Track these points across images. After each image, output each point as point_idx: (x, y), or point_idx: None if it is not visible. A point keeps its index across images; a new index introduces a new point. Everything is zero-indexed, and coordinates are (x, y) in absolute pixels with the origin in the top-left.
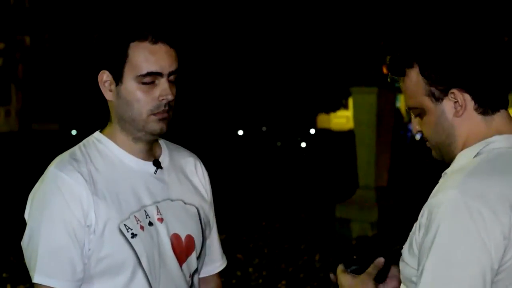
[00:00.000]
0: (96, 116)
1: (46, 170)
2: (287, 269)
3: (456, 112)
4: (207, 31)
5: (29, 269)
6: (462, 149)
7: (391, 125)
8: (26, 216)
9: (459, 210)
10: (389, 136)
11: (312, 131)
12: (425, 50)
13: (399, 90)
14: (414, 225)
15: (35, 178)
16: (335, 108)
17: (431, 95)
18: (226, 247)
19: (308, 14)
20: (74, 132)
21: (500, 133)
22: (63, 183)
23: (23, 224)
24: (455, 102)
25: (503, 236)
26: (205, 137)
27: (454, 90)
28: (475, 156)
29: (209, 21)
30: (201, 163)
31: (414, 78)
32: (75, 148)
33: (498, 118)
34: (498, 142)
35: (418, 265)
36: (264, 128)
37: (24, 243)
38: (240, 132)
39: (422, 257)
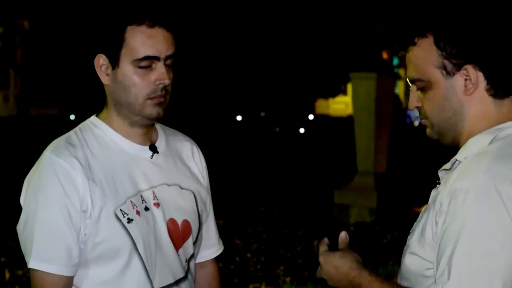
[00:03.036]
0: (95, 101)
1: (42, 155)
2: (286, 254)
3: (467, 90)
4: (206, 16)
5: (24, 254)
6: (470, 131)
7: (390, 111)
8: (21, 201)
9: (491, 196)
10: (388, 122)
11: (311, 116)
12: (444, 20)
13: (398, 76)
14: (423, 214)
15: (34, 163)
16: (334, 94)
17: (443, 67)
18: (225, 233)
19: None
20: (72, 117)
21: (511, 119)
22: (59, 168)
23: (21, 209)
24: (467, 79)
25: None
26: (203, 122)
27: (468, 66)
28: (490, 143)
29: (207, 6)
30: (198, 148)
31: (425, 48)
32: (71, 133)
33: (507, 104)
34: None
35: (439, 254)
36: (262, 114)
37: (20, 228)
38: (239, 118)
39: (445, 245)
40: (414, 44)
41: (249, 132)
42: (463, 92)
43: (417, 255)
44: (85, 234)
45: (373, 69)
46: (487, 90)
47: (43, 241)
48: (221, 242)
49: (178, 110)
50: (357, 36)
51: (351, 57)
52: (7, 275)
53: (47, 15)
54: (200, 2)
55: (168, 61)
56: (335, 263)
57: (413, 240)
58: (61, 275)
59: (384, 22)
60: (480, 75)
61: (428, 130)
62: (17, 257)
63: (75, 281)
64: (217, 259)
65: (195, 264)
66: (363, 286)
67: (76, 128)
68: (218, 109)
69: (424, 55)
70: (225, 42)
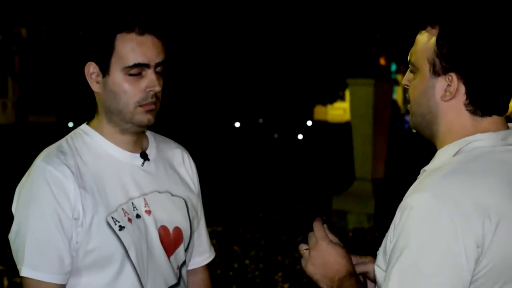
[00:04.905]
0: (93, 109)
1: (33, 163)
2: (284, 261)
3: (444, 95)
4: (203, 22)
5: (16, 262)
6: (444, 137)
7: (388, 116)
8: (13, 209)
9: (431, 216)
10: (386, 127)
11: (309, 123)
12: (452, 24)
13: (396, 82)
14: (390, 226)
15: None
16: (332, 100)
17: (433, 65)
18: (223, 239)
19: (304, 5)
20: (71, 124)
21: (483, 132)
22: (50, 176)
23: None
24: (448, 85)
25: (476, 244)
26: (202, 129)
27: (453, 74)
28: (455, 154)
29: (204, 12)
30: (189, 155)
31: (428, 39)
32: (62, 141)
33: (488, 121)
34: (480, 141)
35: (386, 268)
36: (261, 120)
37: (12, 236)
38: (237, 124)
39: (390, 260)
40: (424, 29)
41: (248, 139)
42: (440, 97)
43: (380, 268)
44: (76, 242)
45: (371, 75)
46: (465, 105)
47: (35, 249)
48: (212, 249)
49: (177, 117)
50: (355, 42)
51: (349, 63)
52: (6, 283)
53: (45, 22)
54: (197, 9)
55: (158, 68)
56: (334, 256)
57: (380, 253)
58: (53, 283)
59: (382, 29)
60: (462, 88)
61: (410, 117)
62: (15, 265)
63: None
64: (216, 266)
65: (187, 270)
66: None
67: (67, 136)
68: (216, 116)
69: (423, 44)
70: (224, 49)
